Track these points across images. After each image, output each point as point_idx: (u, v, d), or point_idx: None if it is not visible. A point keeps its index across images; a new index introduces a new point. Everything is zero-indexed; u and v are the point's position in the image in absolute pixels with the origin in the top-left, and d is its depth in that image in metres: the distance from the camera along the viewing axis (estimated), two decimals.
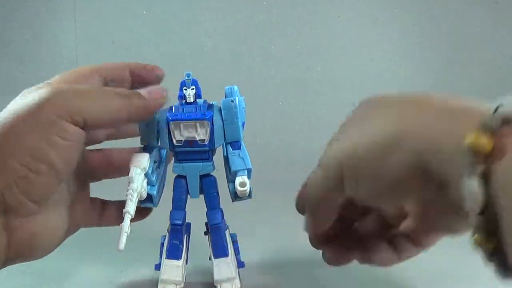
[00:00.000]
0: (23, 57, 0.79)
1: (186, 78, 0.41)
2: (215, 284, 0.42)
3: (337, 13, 0.79)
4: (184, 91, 0.41)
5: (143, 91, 0.38)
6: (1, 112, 0.35)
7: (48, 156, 0.33)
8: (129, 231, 0.36)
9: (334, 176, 0.31)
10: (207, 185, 0.41)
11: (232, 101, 0.41)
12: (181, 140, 0.40)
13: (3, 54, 0.79)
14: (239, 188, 0.39)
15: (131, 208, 0.37)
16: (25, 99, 0.35)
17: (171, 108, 0.41)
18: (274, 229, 0.56)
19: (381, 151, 0.28)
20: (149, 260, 0.44)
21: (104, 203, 0.42)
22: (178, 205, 0.42)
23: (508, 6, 0.78)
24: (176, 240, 0.41)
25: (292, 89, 0.79)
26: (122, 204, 0.39)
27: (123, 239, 0.35)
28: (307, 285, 0.44)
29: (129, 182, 0.38)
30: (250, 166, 0.40)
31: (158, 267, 0.42)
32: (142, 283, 0.44)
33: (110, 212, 0.42)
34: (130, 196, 0.37)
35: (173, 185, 0.42)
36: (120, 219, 0.39)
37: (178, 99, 0.41)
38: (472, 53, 0.79)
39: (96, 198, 0.42)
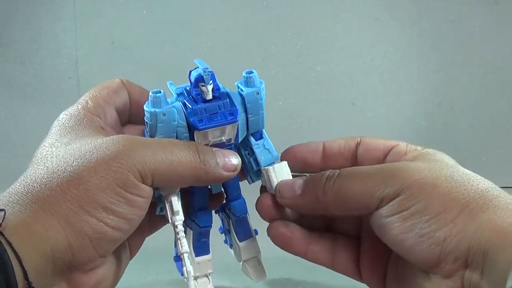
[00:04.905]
0: (23, 57, 0.79)
1: (203, 73, 0.35)
2: (243, 262, 0.42)
3: (337, 13, 0.79)
4: (202, 87, 0.36)
5: (220, 155, 0.36)
6: (68, 154, 0.33)
7: (126, 213, 0.32)
8: (192, 272, 0.35)
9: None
10: None
11: (257, 93, 0.38)
12: (207, 145, 0.37)
13: (3, 54, 0.79)
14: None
15: (187, 246, 0.35)
16: (94, 143, 0.33)
17: (185, 105, 0.36)
18: None
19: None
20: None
21: None
22: (202, 205, 0.40)
23: (508, 6, 0.78)
24: (204, 239, 0.40)
25: (292, 89, 0.79)
26: None
27: (193, 285, 0.34)
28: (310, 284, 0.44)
29: (173, 215, 0.36)
30: (278, 157, 0.40)
31: (177, 258, 0.41)
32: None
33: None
34: (182, 233, 0.36)
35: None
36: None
37: (193, 95, 0.37)
38: (472, 53, 0.79)
39: None
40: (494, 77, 0.79)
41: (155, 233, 0.43)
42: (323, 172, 0.37)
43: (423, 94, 0.80)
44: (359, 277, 0.40)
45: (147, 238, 0.42)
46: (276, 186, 0.39)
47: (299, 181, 0.38)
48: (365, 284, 0.40)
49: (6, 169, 0.74)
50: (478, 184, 0.34)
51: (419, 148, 0.39)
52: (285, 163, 0.40)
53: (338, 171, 0.37)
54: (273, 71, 0.78)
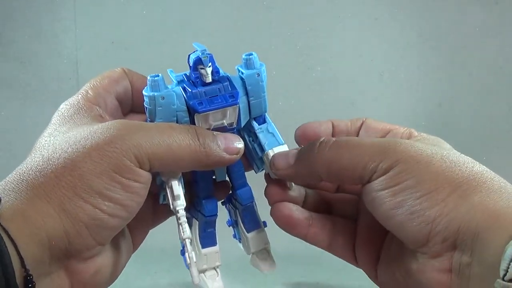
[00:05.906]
0: (23, 57, 0.79)
1: (202, 55, 0.35)
2: (252, 255, 0.41)
3: (337, 13, 0.79)
4: (201, 70, 0.35)
5: (221, 138, 0.36)
6: (64, 142, 0.32)
7: (122, 199, 0.32)
8: (195, 258, 0.34)
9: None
10: (233, 164, 0.38)
11: (258, 75, 0.37)
12: (208, 129, 0.36)
13: (3, 54, 0.79)
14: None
15: (189, 231, 0.34)
16: (89, 129, 0.33)
17: (184, 89, 0.36)
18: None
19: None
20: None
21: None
22: (207, 193, 0.39)
23: (508, 6, 0.78)
24: (210, 229, 0.39)
25: (292, 89, 0.79)
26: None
27: (195, 271, 0.33)
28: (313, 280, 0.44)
29: (174, 199, 0.35)
30: (283, 142, 0.39)
31: (183, 252, 0.39)
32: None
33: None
34: (183, 219, 0.35)
35: (194, 171, 0.38)
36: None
37: (193, 79, 0.36)
38: (472, 53, 0.79)
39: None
40: (494, 77, 0.79)
41: (153, 232, 0.42)
42: (317, 139, 0.37)
43: (423, 94, 0.80)
44: (355, 261, 0.39)
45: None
46: (271, 159, 0.38)
47: (293, 151, 0.38)
48: (367, 278, 0.39)
49: (6, 169, 0.74)
50: (473, 167, 0.34)
51: (416, 133, 0.39)
52: (285, 146, 0.39)
53: (333, 138, 0.36)
54: (273, 71, 0.78)
